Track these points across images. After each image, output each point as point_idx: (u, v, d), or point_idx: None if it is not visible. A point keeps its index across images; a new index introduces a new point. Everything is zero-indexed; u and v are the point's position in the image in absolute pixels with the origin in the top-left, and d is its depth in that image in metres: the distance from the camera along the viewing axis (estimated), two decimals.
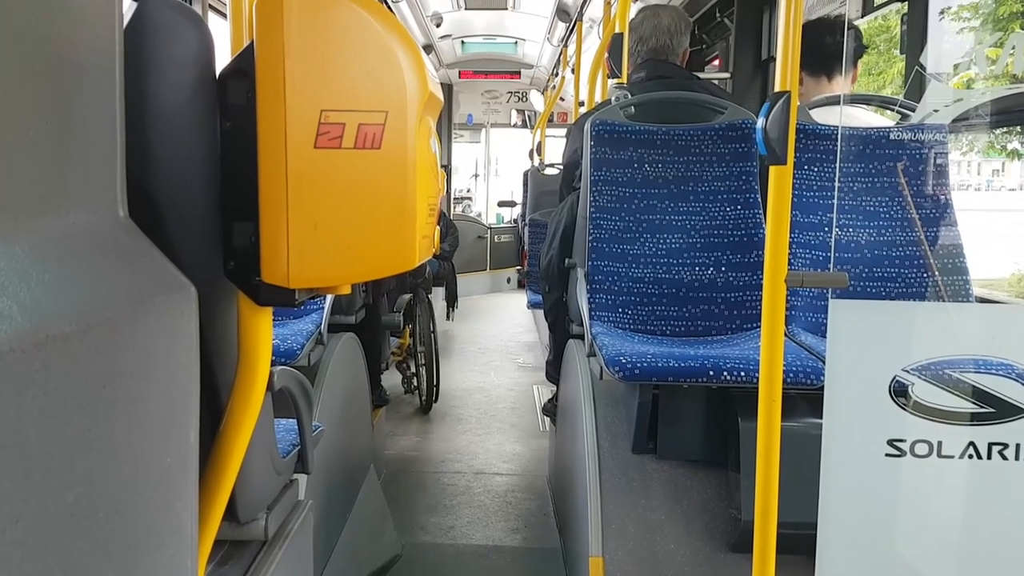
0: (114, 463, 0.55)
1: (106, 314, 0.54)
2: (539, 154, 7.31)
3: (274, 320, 0.90)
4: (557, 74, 7.40)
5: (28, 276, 0.48)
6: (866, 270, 2.05)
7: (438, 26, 6.76)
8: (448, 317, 6.25)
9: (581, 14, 5.24)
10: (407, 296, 3.79)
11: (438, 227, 0.98)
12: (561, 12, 5.91)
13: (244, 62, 0.76)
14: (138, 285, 0.61)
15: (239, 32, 1.74)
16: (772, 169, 1.22)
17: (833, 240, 2.08)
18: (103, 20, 0.61)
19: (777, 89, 1.21)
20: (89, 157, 0.59)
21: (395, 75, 0.75)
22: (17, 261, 0.48)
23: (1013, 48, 1.35)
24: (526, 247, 5.98)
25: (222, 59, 0.81)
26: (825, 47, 2.28)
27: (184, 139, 0.78)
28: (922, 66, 2.18)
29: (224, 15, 3.03)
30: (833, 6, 3.21)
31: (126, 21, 0.72)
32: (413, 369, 4.37)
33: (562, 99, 8.06)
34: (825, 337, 1.18)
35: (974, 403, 1.12)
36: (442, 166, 6.12)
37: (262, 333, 0.85)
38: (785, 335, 1.29)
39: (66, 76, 0.55)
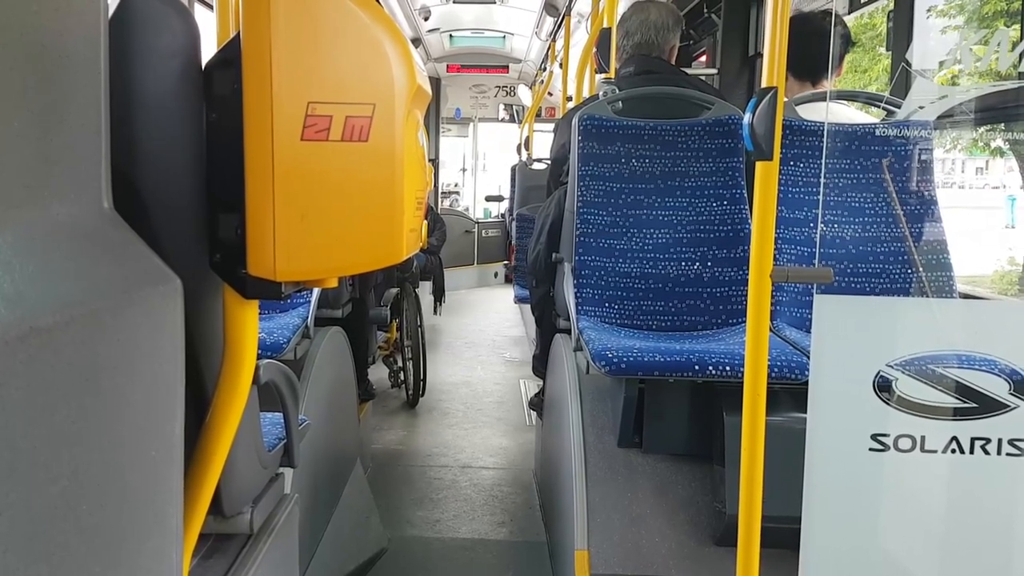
0: (99, 456, 0.54)
1: (90, 306, 0.54)
2: (527, 149, 7.30)
3: (260, 313, 0.89)
4: (545, 68, 7.38)
5: (11, 268, 0.48)
6: (851, 266, 2.07)
7: (426, 19, 6.74)
8: (435, 311, 6.24)
9: (569, 9, 5.23)
10: (394, 290, 3.78)
11: (425, 221, 0.98)
12: (549, 7, 5.90)
13: (230, 53, 0.75)
14: (123, 277, 0.61)
15: (225, 22, 1.73)
16: (758, 165, 1.23)
17: (818, 236, 2.09)
18: (88, 10, 0.60)
19: (764, 85, 1.21)
20: (73, 148, 0.58)
21: (383, 68, 0.74)
22: (0, 252, 0.47)
23: (998, 45, 1.36)
24: (513, 242, 5.97)
25: (208, 50, 0.81)
26: (812, 51, 2.26)
27: (169, 130, 0.77)
28: (908, 63, 2.19)
29: (210, 5, 3.01)
30: (820, 1, 3.22)
31: (111, 11, 0.71)
32: (400, 363, 4.36)
33: (550, 94, 8.05)
34: (810, 332, 1.19)
35: (957, 398, 1.13)
36: (430, 160, 6.10)
37: (248, 326, 0.84)
38: (770, 330, 1.30)
39: (50, 66, 0.55)
